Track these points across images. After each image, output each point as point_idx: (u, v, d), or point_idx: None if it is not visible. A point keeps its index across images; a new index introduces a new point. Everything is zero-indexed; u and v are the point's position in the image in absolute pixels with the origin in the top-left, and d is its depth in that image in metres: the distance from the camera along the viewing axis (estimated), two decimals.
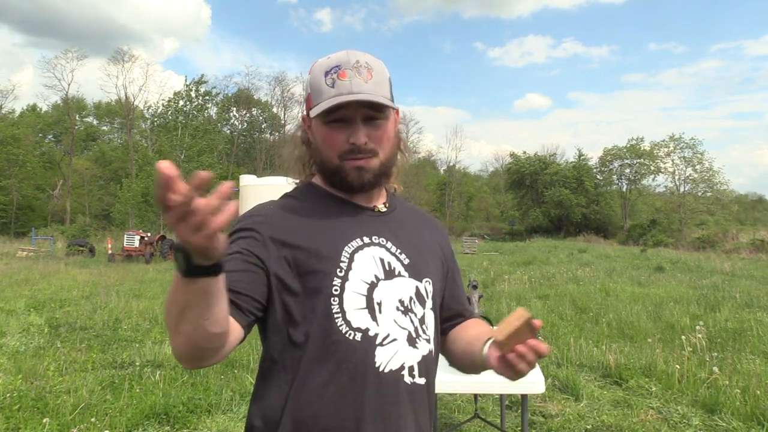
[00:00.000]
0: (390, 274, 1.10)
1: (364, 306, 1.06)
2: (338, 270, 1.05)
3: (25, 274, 13.36)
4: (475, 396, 3.75)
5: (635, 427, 3.77)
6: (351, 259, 1.07)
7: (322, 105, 1.06)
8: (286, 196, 1.20)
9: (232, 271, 0.98)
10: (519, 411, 3.84)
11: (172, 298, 0.85)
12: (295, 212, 1.12)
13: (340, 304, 1.04)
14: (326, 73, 1.08)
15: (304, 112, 1.18)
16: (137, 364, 5.29)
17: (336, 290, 1.04)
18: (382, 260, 1.10)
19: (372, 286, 1.07)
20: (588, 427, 3.83)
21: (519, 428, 3.64)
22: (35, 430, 3.67)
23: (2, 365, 5.24)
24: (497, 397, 4.11)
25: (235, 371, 4.99)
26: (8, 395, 4.24)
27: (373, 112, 1.09)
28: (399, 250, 1.14)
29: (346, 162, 1.10)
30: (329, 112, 1.06)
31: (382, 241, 1.13)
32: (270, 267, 1.04)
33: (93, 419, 3.77)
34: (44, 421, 3.68)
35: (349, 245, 1.08)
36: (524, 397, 2.55)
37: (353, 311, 1.05)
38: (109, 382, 4.72)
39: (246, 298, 1.01)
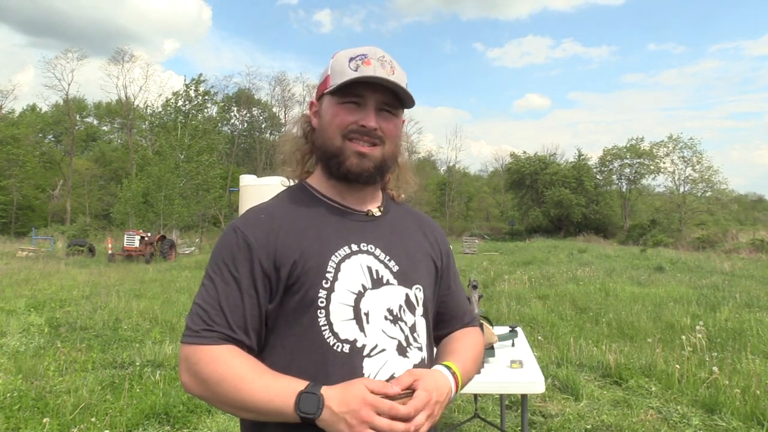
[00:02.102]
0: (378, 282, 1.09)
1: (352, 317, 1.05)
2: (324, 281, 1.04)
3: (25, 274, 13.35)
4: (475, 396, 3.75)
5: (635, 427, 3.77)
6: (337, 269, 1.06)
7: (342, 80, 1.07)
8: (278, 198, 1.18)
9: (235, 305, 1.03)
10: (519, 411, 3.84)
11: (254, 400, 0.96)
12: (284, 220, 1.09)
13: (327, 316, 1.03)
14: (351, 59, 1.09)
15: (314, 98, 1.18)
16: (137, 364, 5.29)
17: (322, 302, 1.03)
18: (369, 268, 1.09)
19: (359, 296, 1.06)
20: (588, 427, 3.83)
21: (519, 428, 3.64)
22: (35, 430, 3.67)
23: (2, 365, 5.23)
24: (497, 397, 4.11)
25: None
26: (8, 395, 4.24)
27: (388, 102, 1.10)
28: (388, 257, 1.12)
29: (348, 143, 1.09)
30: (347, 88, 1.07)
31: (370, 248, 1.11)
32: (261, 287, 1.05)
33: (93, 419, 3.77)
34: (44, 421, 3.68)
35: (336, 254, 1.07)
36: (524, 397, 2.55)
37: (340, 323, 1.04)
38: (109, 382, 4.72)
39: (246, 347, 1.04)
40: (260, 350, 1.07)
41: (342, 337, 1.03)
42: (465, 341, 1.25)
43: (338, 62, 1.10)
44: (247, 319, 1.04)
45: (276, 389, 0.96)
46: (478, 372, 2.39)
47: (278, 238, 1.06)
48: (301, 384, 0.96)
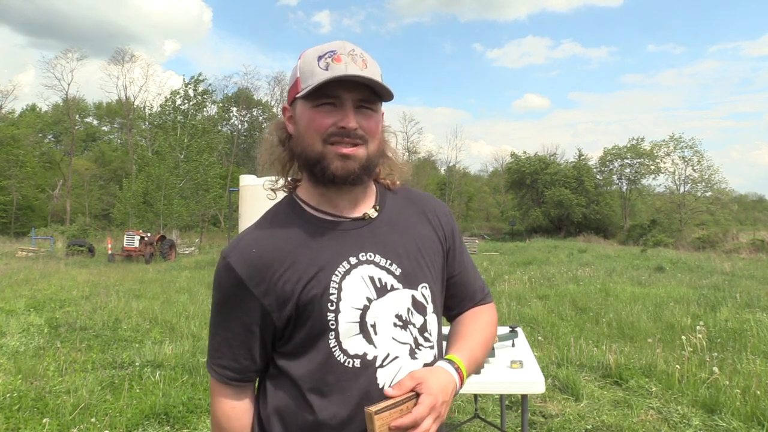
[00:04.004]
0: (382, 290, 1.07)
1: (358, 332, 1.04)
2: (329, 304, 1.03)
3: (25, 274, 13.35)
4: (475, 396, 3.75)
5: (635, 427, 3.76)
6: (340, 289, 1.04)
7: (314, 81, 1.01)
8: (267, 221, 1.13)
9: (240, 342, 1.09)
10: (519, 411, 3.84)
11: None
12: (278, 249, 1.06)
13: (336, 336, 1.03)
14: (320, 57, 1.03)
15: (286, 103, 1.13)
16: (137, 364, 5.28)
17: (332, 324, 1.03)
18: (372, 278, 1.07)
19: (364, 310, 1.05)
20: (588, 427, 3.83)
21: (519, 428, 3.64)
22: (35, 430, 3.67)
23: (2, 365, 5.23)
24: (497, 397, 4.11)
25: None
26: (8, 395, 4.24)
27: (366, 99, 1.04)
28: (389, 262, 1.09)
29: (330, 147, 1.03)
30: (320, 89, 1.01)
31: (370, 256, 1.08)
32: (266, 324, 1.06)
33: (93, 419, 3.77)
34: (44, 421, 3.68)
35: (336, 273, 1.05)
36: (524, 397, 2.55)
37: (348, 339, 1.03)
38: (109, 382, 4.71)
39: (252, 371, 1.11)
40: (276, 368, 1.10)
41: (351, 353, 1.03)
42: (474, 324, 1.22)
43: (306, 62, 1.04)
44: (253, 350, 1.09)
45: None
46: (477, 372, 2.39)
47: (276, 273, 1.04)
48: None
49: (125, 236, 20.43)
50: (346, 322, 1.03)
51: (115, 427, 3.75)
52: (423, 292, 1.12)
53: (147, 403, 4.07)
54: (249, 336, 1.07)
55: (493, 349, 2.66)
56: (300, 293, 1.03)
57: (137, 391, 4.46)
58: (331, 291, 1.03)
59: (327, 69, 1.01)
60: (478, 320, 1.24)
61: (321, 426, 1.03)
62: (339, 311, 1.03)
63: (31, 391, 4.40)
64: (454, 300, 1.25)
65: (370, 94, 1.05)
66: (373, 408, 0.95)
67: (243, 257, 1.06)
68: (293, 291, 1.03)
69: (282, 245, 1.07)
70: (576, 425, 3.85)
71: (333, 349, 1.03)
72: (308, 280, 1.03)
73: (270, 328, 1.06)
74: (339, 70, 1.00)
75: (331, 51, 1.03)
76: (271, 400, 1.09)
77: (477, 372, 2.39)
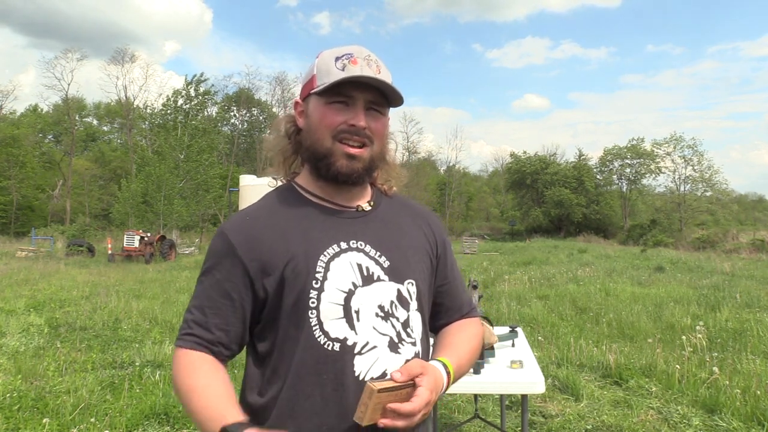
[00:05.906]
0: (368, 279, 1.09)
1: (342, 315, 1.05)
2: (314, 282, 1.04)
3: (25, 274, 13.35)
4: (475, 396, 3.75)
5: (635, 428, 3.76)
6: (326, 269, 1.06)
7: (330, 80, 1.06)
8: (265, 199, 1.17)
9: (217, 308, 1.07)
10: (519, 411, 3.83)
11: (193, 418, 1.01)
12: (271, 223, 1.10)
13: (318, 315, 1.04)
14: (337, 58, 1.08)
15: (299, 98, 1.17)
16: (137, 364, 5.29)
17: (313, 303, 1.04)
18: (359, 266, 1.09)
19: (349, 294, 1.06)
20: (588, 427, 3.83)
21: (519, 428, 3.64)
22: (35, 430, 3.67)
23: (2, 365, 5.23)
24: (497, 397, 4.11)
25: (235, 371, 4.99)
26: (8, 395, 4.24)
27: (376, 101, 1.09)
28: (378, 253, 1.11)
29: (338, 145, 1.08)
30: (335, 88, 1.06)
31: (360, 245, 1.11)
32: (245, 291, 1.07)
33: (93, 419, 3.77)
34: (44, 421, 3.68)
35: (325, 253, 1.07)
36: (524, 397, 2.55)
37: (330, 321, 1.04)
38: (109, 382, 4.72)
39: (224, 347, 1.08)
40: (255, 352, 1.10)
41: (332, 335, 1.04)
42: (461, 335, 1.23)
43: (324, 62, 1.09)
44: (229, 322, 1.07)
45: (208, 415, 0.97)
46: (477, 372, 2.39)
47: (265, 242, 1.07)
48: (231, 418, 0.95)
49: (125, 236, 20.42)
50: (329, 303, 1.04)
51: (115, 427, 3.75)
52: (408, 288, 1.13)
53: (147, 403, 4.07)
54: (226, 303, 1.07)
55: (493, 348, 2.66)
56: (285, 265, 1.05)
57: (137, 391, 4.46)
58: (317, 269, 1.05)
59: (343, 70, 1.06)
60: (465, 331, 1.25)
61: (295, 405, 1.03)
62: (323, 290, 1.05)
63: (31, 391, 4.40)
64: (442, 309, 1.26)
65: (380, 97, 1.10)
66: (378, 385, 0.94)
67: (237, 226, 1.11)
68: (279, 262, 1.05)
69: (276, 220, 1.11)
70: (576, 425, 3.85)
71: (314, 329, 1.03)
72: (296, 255, 1.06)
73: (250, 297, 1.07)
74: (355, 71, 1.05)
75: (348, 54, 1.08)
76: (249, 380, 1.10)
77: (477, 372, 2.39)
